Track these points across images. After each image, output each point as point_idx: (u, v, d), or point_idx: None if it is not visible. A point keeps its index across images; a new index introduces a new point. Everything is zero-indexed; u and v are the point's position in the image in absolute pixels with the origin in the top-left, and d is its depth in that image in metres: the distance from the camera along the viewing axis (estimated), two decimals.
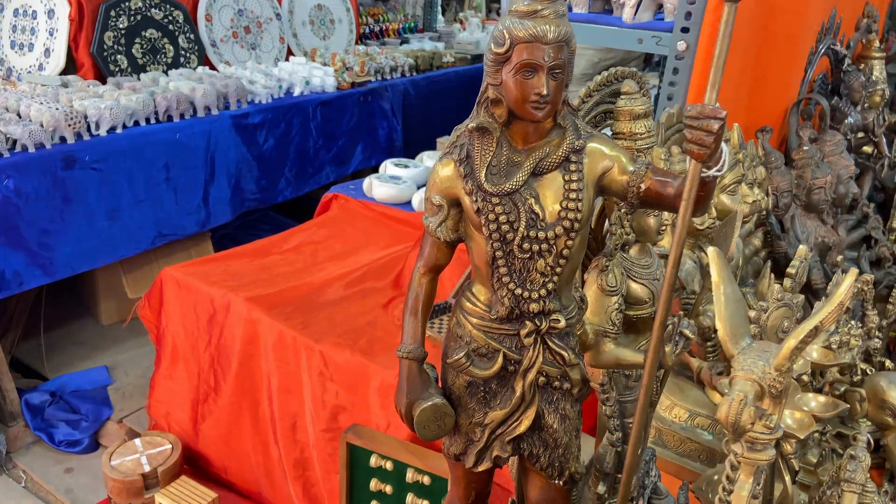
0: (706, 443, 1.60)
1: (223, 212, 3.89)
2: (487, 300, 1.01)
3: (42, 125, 3.08)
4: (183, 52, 4.17)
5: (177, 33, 4.13)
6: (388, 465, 1.76)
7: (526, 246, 0.94)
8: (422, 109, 5.07)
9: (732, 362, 0.80)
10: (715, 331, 1.39)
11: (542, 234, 0.94)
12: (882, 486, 1.26)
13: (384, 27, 5.97)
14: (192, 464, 2.50)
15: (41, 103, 3.14)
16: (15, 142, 3.01)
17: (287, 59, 4.73)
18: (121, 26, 3.85)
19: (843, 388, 1.49)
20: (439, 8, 6.67)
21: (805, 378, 1.43)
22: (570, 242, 0.95)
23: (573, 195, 0.94)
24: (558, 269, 0.96)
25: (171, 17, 4.09)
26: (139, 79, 3.80)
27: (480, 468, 1.05)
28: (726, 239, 1.33)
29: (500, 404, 1.02)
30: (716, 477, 1.37)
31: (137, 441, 2.42)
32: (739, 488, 0.80)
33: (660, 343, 0.94)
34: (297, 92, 4.28)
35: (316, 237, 2.74)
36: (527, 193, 0.94)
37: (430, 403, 1.01)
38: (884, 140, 2.32)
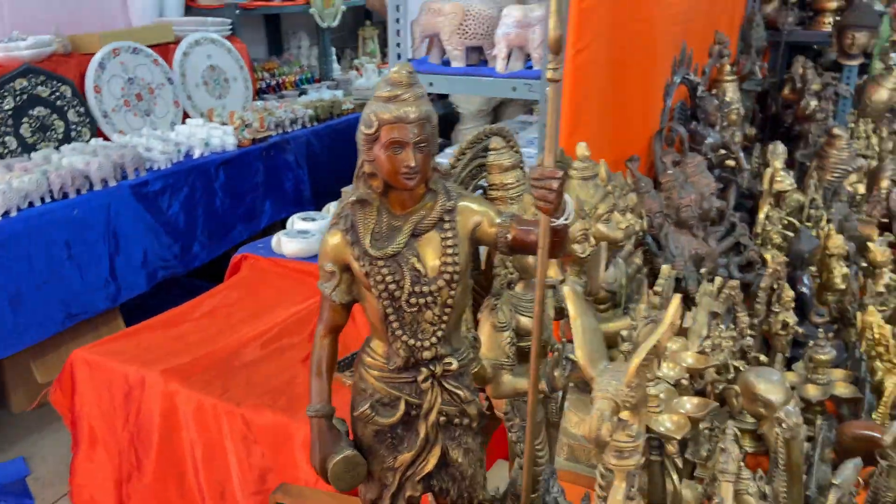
0: None
1: (135, 284, 3.83)
2: (385, 353, 1.10)
3: None
4: (74, 127, 4.12)
5: (66, 108, 4.08)
6: None
7: (413, 300, 1.05)
8: (327, 158, 5.16)
9: (593, 385, 0.92)
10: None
11: (426, 289, 1.04)
12: (757, 472, 1.41)
13: (281, 80, 6.04)
14: None
15: None
16: None
17: (184, 122, 4.72)
18: (6, 107, 3.78)
19: (721, 387, 1.66)
20: (334, 57, 6.80)
21: (685, 382, 1.58)
22: (452, 293, 1.06)
23: (450, 250, 1.05)
24: (445, 318, 1.07)
25: (58, 93, 4.04)
26: (30, 158, 3.73)
27: None
28: (595, 268, 1.47)
29: (407, 447, 1.11)
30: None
31: None
32: (615, 492, 0.91)
33: (538, 370, 1.05)
34: (196, 154, 4.29)
35: (228, 300, 2.77)
36: (408, 254, 1.04)
37: (341, 456, 1.09)
38: (741, 154, 2.56)
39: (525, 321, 1.34)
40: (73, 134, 4.11)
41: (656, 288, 1.52)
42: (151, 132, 4.38)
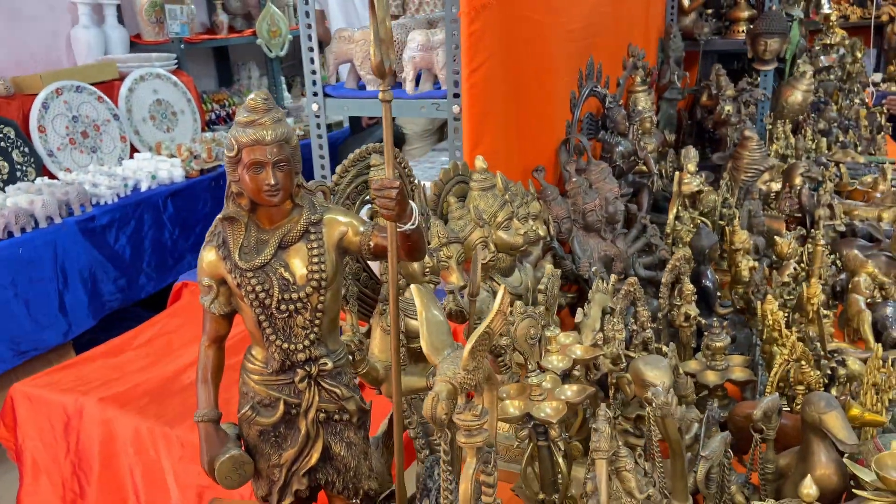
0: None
1: (84, 318, 3.87)
2: (263, 358, 1.19)
3: None
4: (19, 167, 4.16)
5: (10, 149, 4.13)
6: None
7: (283, 307, 1.14)
8: None
9: (436, 370, 1.01)
10: (503, 349, 1.63)
11: (295, 295, 1.14)
12: (636, 450, 1.52)
13: (231, 111, 6.13)
14: None
15: None
16: None
17: (132, 157, 4.78)
18: None
19: (616, 376, 1.77)
20: (284, 86, 6.90)
21: (577, 373, 1.69)
22: (322, 298, 1.15)
23: (315, 259, 1.14)
24: (317, 322, 1.16)
25: (2, 135, 4.09)
26: None
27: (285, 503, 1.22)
28: (474, 271, 1.58)
29: (290, 444, 1.20)
30: (528, 471, 1.60)
31: None
32: (466, 468, 1.01)
33: (399, 369, 1.15)
34: (144, 187, 4.35)
35: (168, 327, 2.83)
36: (276, 264, 1.14)
37: (227, 456, 1.17)
38: (651, 160, 2.71)
39: (413, 324, 1.44)
40: (18, 174, 4.15)
41: (540, 287, 1.63)
42: (98, 168, 4.44)
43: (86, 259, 3.88)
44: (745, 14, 3.90)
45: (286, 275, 1.14)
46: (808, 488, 1.33)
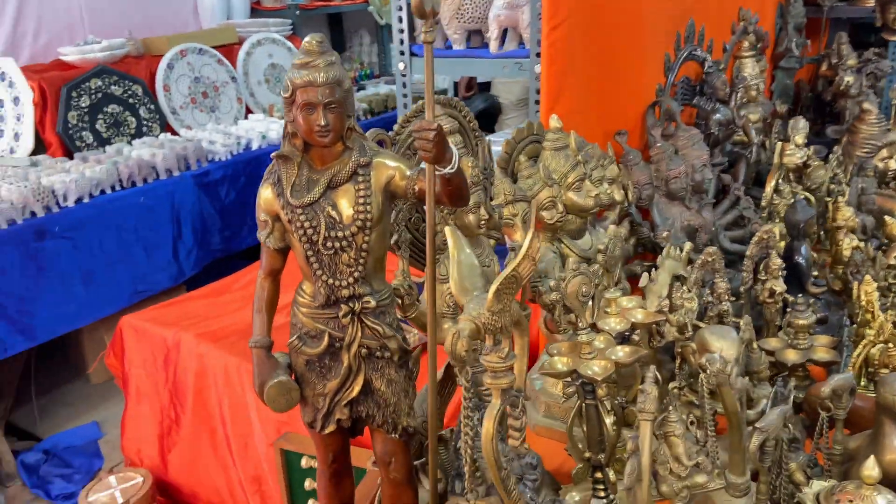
0: None
1: (193, 264, 4.16)
2: (311, 292, 1.25)
3: (12, 203, 3.36)
4: (145, 122, 4.49)
5: (137, 106, 4.45)
6: (316, 464, 1.97)
7: (329, 244, 1.19)
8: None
9: (463, 311, 1.03)
10: (553, 304, 1.62)
11: (340, 234, 1.19)
12: (689, 416, 1.48)
13: None
14: (165, 493, 2.72)
15: (11, 183, 3.44)
16: None
17: (246, 117, 5.04)
18: (83, 105, 4.17)
19: (680, 344, 1.72)
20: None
21: (636, 337, 1.66)
22: (366, 238, 1.20)
23: (362, 200, 1.19)
24: (361, 261, 1.21)
25: (130, 92, 4.42)
26: (104, 151, 4.11)
27: (327, 431, 1.29)
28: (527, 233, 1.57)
29: (333, 375, 1.26)
30: (574, 430, 1.59)
31: (112, 478, 2.64)
32: (491, 408, 1.02)
33: (434, 322, 1.18)
34: (255, 146, 4.58)
35: None
36: (325, 203, 1.19)
37: (275, 381, 1.25)
38: (751, 129, 2.56)
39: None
40: (144, 129, 4.48)
41: (599, 246, 1.61)
42: (215, 126, 4.72)
43: (198, 210, 4.15)
44: None
45: (333, 213, 1.19)
46: (871, 470, 1.25)
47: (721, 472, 1.46)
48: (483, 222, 1.45)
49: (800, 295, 2.02)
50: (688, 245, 1.88)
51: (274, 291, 1.30)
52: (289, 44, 5.50)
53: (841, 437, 1.51)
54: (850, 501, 1.29)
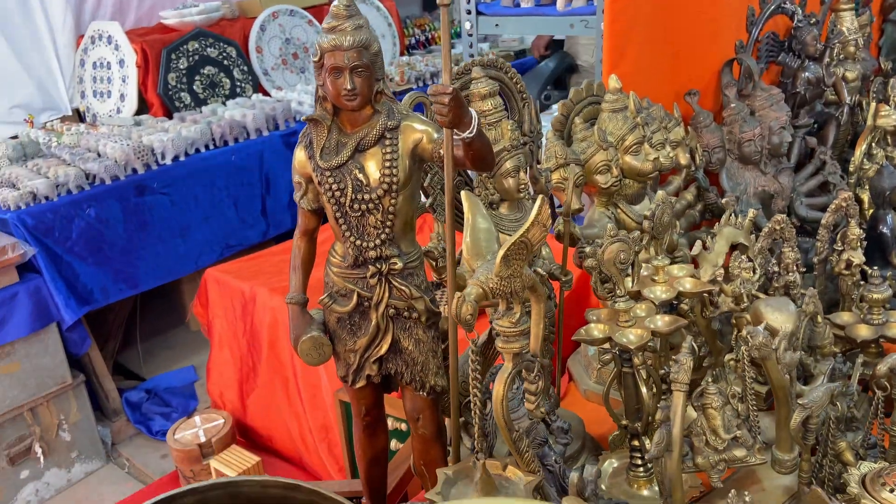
0: None
1: (282, 221, 4.33)
2: (342, 252, 1.30)
3: (116, 160, 3.61)
4: (238, 83, 4.67)
5: (231, 67, 4.63)
6: None
7: (356, 206, 1.22)
8: None
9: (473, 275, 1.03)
10: (593, 271, 1.60)
11: (367, 196, 1.21)
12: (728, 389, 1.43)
13: (430, 36, 6.29)
14: (245, 435, 2.90)
15: (115, 142, 3.69)
16: (94, 177, 3.56)
17: None
18: (181, 67, 4.38)
19: (735, 316, 1.65)
20: None
21: (684, 306, 1.62)
22: (393, 201, 1.22)
23: (388, 163, 1.20)
24: (389, 223, 1.23)
25: (225, 54, 4.60)
26: (201, 111, 4.31)
27: (358, 385, 1.34)
28: (569, 195, 1.54)
29: (363, 333, 1.30)
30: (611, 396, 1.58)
31: (196, 418, 2.85)
32: (503, 372, 1.03)
33: (454, 289, 1.18)
34: None
35: None
36: (352, 166, 1.22)
37: (308, 336, 1.31)
38: (843, 88, 2.38)
39: (504, 238, 1.46)
40: (237, 90, 4.66)
41: (646, 213, 1.56)
42: (305, 87, 4.84)
43: (286, 169, 4.28)
44: None
45: (360, 176, 1.21)
46: None
47: (763, 448, 1.41)
48: (523, 186, 1.44)
49: (875, 267, 1.90)
50: (752, 212, 1.80)
51: (309, 251, 1.36)
52: (377, 3, 5.54)
53: None
54: None
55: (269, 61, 4.85)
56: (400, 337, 1.30)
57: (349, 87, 1.17)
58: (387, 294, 1.27)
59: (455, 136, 1.12)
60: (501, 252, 0.98)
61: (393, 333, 1.29)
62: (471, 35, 2.35)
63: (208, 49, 4.52)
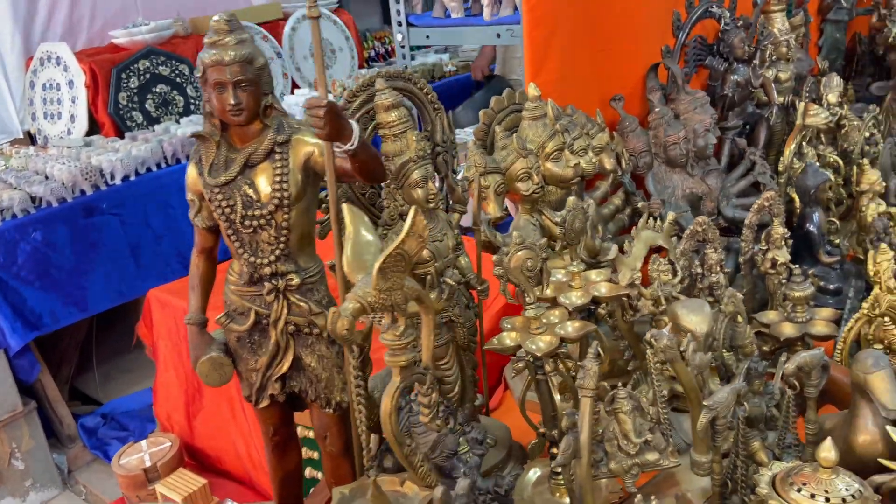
0: None
1: None
2: (238, 270, 1.28)
3: (62, 182, 3.56)
4: (192, 101, 4.63)
5: (185, 84, 4.60)
6: (310, 434, 2.03)
7: (247, 223, 1.21)
8: None
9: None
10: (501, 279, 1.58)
11: (258, 212, 1.20)
12: (639, 388, 1.43)
13: (390, 48, 6.30)
14: (194, 457, 2.86)
15: (63, 164, 3.64)
16: (41, 199, 3.51)
17: (292, 93, 5.12)
18: (132, 86, 4.34)
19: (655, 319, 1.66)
20: None
21: (602, 311, 1.62)
22: (286, 216, 1.21)
23: (279, 178, 1.19)
24: (283, 239, 1.22)
25: (177, 71, 4.57)
26: (154, 130, 4.27)
27: (263, 405, 1.32)
28: (476, 205, 1.53)
29: (264, 352, 1.29)
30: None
31: (143, 442, 2.79)
32: (390, 387, 1.02)
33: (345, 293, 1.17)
34: None
35: None
36: (242, 182, 1.21)
37: (207, 357, 1.29)
38: (772, 88, 2.40)
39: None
40: (192, 107, 4.63)
41: (555, 219, 1.56)
42: None
43: None
44: None
45: (250, 192, 1.20)
46: (827, 451, 1.19)
47: (675, 451, 1.41)
48: (432, 196, 1.43)
49: (797, 265, 1.92)
50: (671, 215, 1.81)
51: (207, 269, 1.34)
52: (334, 17, 5.54)
53: (814, 417, 1.44)
54: (805, 485, 1.23)
55: None
56: (302, 354, 1.28)
57: (233, 101, 1.16)
58: (285, 311, 1.25)
59: (338, 149, 1.11)
60: (377, 265, 0.97)
61: (294, 351, 1.28)
62: (403, 46, 2.35)
63: (160, 67, 4.49)
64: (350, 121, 1.12)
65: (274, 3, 5.34)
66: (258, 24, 5.06)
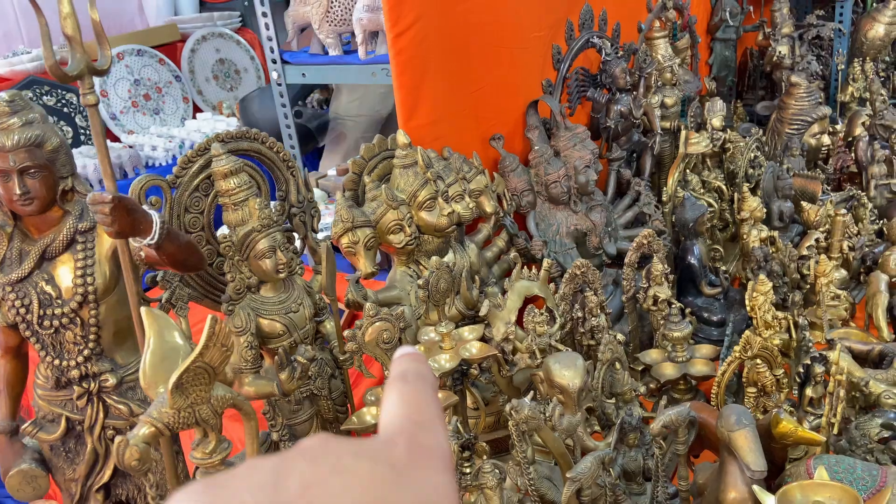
0: None
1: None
2: (45, 373, 1.16)
3: None
4: (83, 131, 4.40)
5: (73, 114, 4.36)
6: None
7: (46, 323, 1.09)
8: None
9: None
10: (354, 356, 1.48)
11: (59, 311, 1.08)
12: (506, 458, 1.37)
13: None
14: None
15: None
16: None
17: (195, 117, 4.92)
18: None
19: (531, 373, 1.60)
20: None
21: (474, 371, 1.55)
22: (93, 312, 1.09)
23: (82, 271, 1.08)
24: (92, 337, 1.10)
25: (64, 101, 4.33)
26: None
27: None
28: (330, 276, 1.45)
29: (81, 460, 1.16)
30: None
31: None
32: None
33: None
34: None
35: None
36: (38, 277, 1.08)
37: (17, 469, 1.16)
38: (655, 116, 2.40)
39: (266, 323, 1.36)
40: (82, 138, 4.39)
41: (419, 281, 1.49)
42: (159, 130, 4.61)
43: None
44: None
45: (48, 288, 1.08)
46: None
47: None
48: (282, 266, 1.34)
49: (681, 299, 1.90)
50: (546, 261, 1.76)
51: (15, 371, 1.20)
52: (237, 37, 5.36)
53: (685, 473, 1.40)
54: None
55: (116, 105, 4.60)
56: None
57: (18, 191, 1.04)
58: (101, 415, 1.14)
59: (138, 243, 1.01)
60: (172, 381, 0.86)
61: None
62: (280, 84, 2.24)
63: (45, 97, 4.24)
64: (149, 211, 1.01)
65: (169, 24, 5.14)
66: (155, 48, 4.86)
